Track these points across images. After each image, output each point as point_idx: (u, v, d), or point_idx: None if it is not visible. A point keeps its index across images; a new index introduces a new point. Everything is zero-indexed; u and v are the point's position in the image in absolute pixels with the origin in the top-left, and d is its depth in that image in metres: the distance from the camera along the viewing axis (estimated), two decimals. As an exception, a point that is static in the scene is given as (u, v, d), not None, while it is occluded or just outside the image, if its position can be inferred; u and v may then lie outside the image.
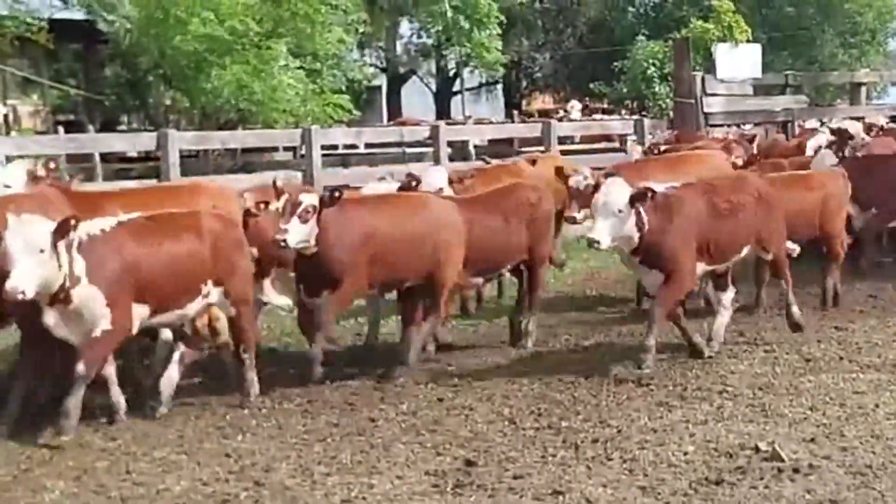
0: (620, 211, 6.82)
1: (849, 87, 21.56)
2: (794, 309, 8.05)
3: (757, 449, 5.38)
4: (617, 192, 6.89)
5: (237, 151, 17.29)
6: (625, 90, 25.98)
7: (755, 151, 12.06)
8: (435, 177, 8.55)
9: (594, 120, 23.34)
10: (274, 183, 7.19)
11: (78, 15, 20.03)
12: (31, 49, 18.54)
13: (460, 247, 7.36)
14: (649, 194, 6.88)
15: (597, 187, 7.08)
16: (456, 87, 33.35)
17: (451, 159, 14.40)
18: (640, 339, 7.36)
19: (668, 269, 7.09)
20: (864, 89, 20.46)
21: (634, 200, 6.86)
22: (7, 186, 7.18)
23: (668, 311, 7.16)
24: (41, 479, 5.34)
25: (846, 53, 31.36)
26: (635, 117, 17.94)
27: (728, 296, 7.69)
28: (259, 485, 5.21)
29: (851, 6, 31.32)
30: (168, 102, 19.27)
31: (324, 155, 12.77)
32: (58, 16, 19.86)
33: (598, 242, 6.82)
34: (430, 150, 13.97)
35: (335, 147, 17.23)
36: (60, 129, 16.99)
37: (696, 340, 7.40)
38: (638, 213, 6.90)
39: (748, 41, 22.37)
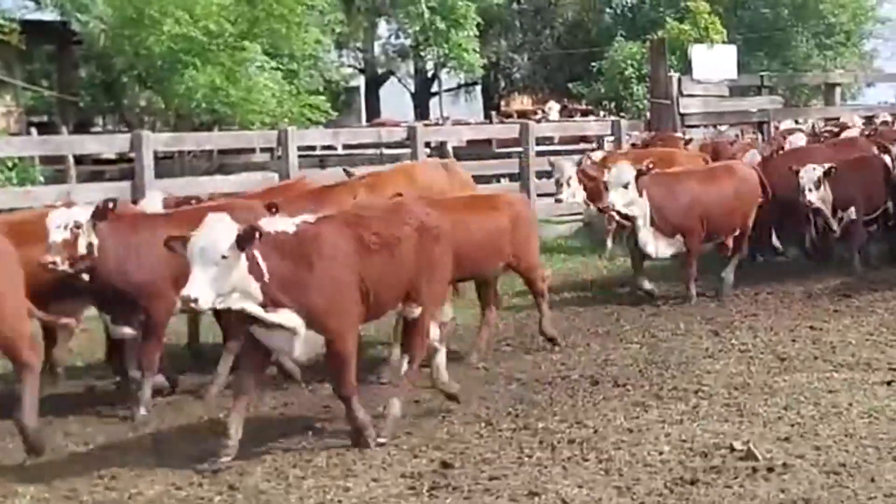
0: (224, 258, 5.20)
1: (824, 88, 21.72)
2: (443, 375, 6.42)
3: (732, 448, 5.39)
4: (218, 234, 5.25)
5: (213, 153, 17.20)
6: (602, 91, 26.08)
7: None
8: (149, 200, 8.05)
9: (572, 121, 23.38)
10: None
11: (51, 16, 19.92)
12: (4, 50, 18.35)
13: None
14: (257, 234, 5.30)
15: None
16: (434, 89, 33.37)
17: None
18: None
19: (324, 328, 5.50)
20: (838, 90, 20.62)
21: (241, 243, 5.25)
22: None
23: (350, 390, 5.68)
24: (12, 484, 5.28)
25: (821, 55, 31.63)
26: (613, 118, 17.99)
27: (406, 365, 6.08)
28: (233, 488, 5.17)
29: (826, 7, 31.59)
30: (143, 103, 19.18)
31: (301, 156, 12.72)
32: (30, 17, 19.74)
33: (196, 301, 5.15)
34: (408, 150, 13.94)
35: (313, 148, 17.17)
36: (34, 130, 16.82)
37: (361, 423, 5.75)
38: (252, 259, 5.31)
39: (724, 42, 22.51)
